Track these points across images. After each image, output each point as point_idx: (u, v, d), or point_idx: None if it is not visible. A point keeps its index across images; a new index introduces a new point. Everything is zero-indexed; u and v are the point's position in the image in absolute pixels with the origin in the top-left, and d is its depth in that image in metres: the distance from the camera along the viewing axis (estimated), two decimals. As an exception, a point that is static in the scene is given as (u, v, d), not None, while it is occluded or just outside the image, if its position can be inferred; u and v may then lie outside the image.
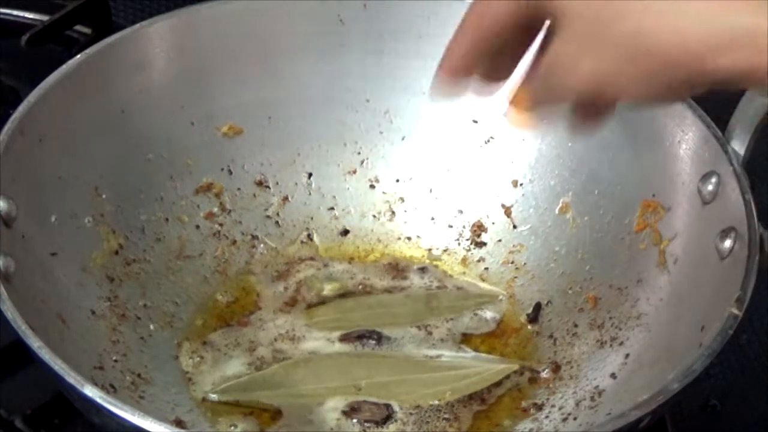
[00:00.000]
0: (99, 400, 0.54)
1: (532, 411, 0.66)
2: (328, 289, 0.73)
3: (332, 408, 0.66)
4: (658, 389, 0.56)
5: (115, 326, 0.68)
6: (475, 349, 0.70)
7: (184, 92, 0.74)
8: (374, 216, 0.78)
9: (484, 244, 0.76)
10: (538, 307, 0.72)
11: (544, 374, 0.68)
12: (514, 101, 0.56)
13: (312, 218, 0.77)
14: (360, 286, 0.74)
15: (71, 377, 0.54)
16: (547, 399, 0.67)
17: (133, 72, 0.73)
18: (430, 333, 0.71)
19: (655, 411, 0.55)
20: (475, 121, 0.77)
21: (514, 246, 0.75)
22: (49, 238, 0.66)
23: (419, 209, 0.78)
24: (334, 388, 0.67)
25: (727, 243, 0.63)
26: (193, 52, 0.75)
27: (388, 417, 0.65)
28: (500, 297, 0.73)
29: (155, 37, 0.73)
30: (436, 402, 0.66)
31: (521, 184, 0.76)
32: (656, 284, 0.68)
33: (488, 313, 0.73)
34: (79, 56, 0.70)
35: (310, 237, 0.76)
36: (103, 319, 0.67)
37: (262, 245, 0.76)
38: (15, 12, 0.89)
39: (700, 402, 0.72)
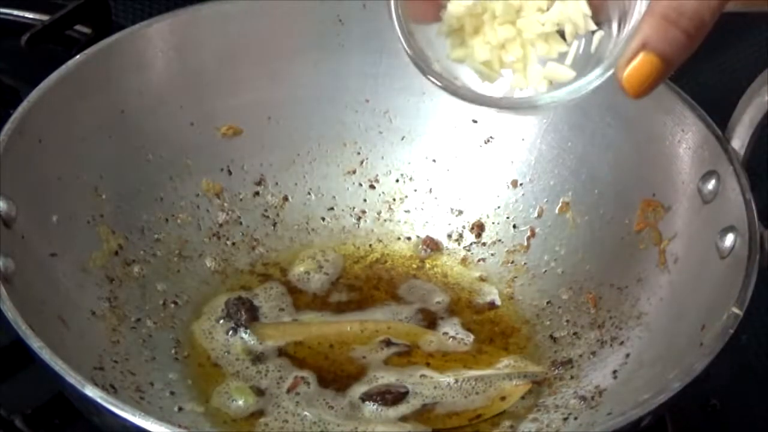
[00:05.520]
0: (99, 401, 0.54)
1: (532, 411, 0.66)
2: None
3: None
4: (658, 389, 0.56)
5: (115, 327, 0.68)
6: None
7: (184, 92, 0.74)
8: (374, 216, 0.78)
9: (484, 244, 0.76)
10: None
11: (544, 374, 0.68)
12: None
13: (312, 218, 0.77)
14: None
15: (71, 377, 0.54)
16: (548, 399, 0.67)
17: (133, 72, 0.73)
18: None
19: (655, 410, 0.55)
20: (475, 121, 0.77)
21: (514, 246, 0.75)
22: (49, 239, 0.66)
23: (419, 209, 0.78)
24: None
25: (728, 242, 0.63)
26: (193, 52, 0.75)
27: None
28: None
29: (155, 37, 0.73)
30: None
31: (521, 184, 0.76)
32: (656, 284, 0.68)
33: None
34: (79, 56, 0.70)
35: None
36: (103, 319, 0.67)
37: (262, 245, 0.76)
38: (15, 12, 0.89)
39: (700, 402, 0.72)
